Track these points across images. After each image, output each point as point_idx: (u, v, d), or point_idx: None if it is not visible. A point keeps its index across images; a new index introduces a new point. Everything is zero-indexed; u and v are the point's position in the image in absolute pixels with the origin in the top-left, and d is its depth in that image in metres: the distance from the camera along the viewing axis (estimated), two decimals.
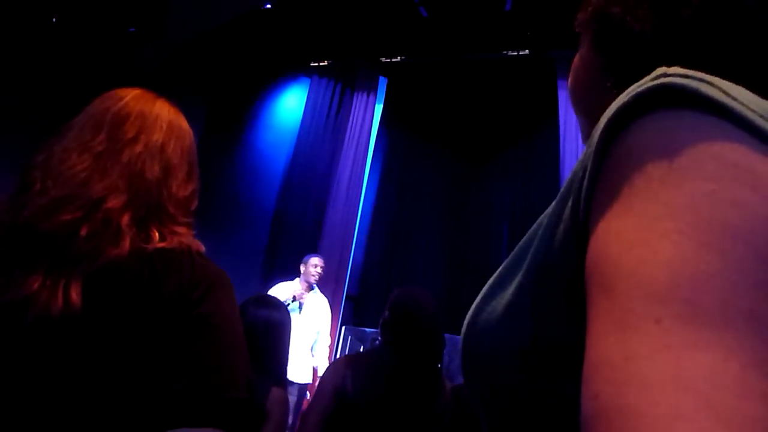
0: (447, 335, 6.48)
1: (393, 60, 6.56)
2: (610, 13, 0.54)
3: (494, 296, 0.52)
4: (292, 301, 4.42)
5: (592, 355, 0.33)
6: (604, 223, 0.37)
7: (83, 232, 0.84)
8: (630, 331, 0.31)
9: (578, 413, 0.34)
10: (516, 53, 6.00)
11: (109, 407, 0.81)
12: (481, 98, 7.12)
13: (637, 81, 0.40)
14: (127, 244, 0.87)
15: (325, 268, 5.80)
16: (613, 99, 0.42)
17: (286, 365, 2.22)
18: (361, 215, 6.56)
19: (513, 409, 0.48)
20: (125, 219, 0.88)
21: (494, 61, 6.27)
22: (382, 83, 6.82)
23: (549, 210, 0.48)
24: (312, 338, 4.63)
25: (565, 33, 5.52)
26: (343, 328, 5.83)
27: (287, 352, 2.21)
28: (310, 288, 4.66)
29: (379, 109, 6.80)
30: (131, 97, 1.02)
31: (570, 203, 0.43)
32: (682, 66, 0.39)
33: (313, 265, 4.68)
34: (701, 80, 0.37)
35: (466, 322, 0.55)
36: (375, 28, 6.20)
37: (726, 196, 0.32)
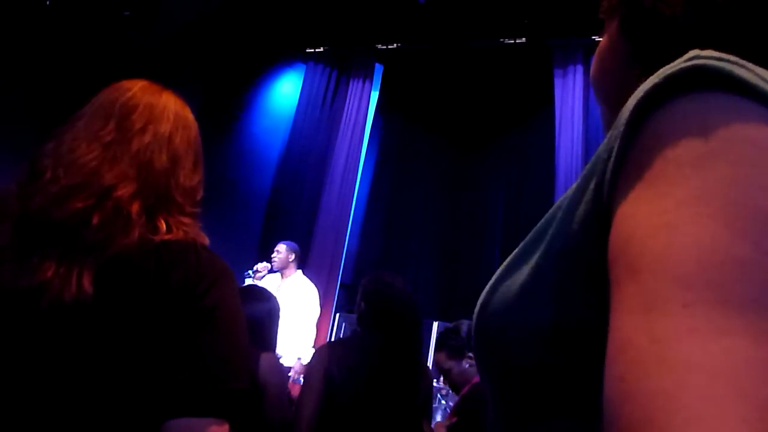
0: (442, 323, 6.50)
1: (389, 47, 6.53)
2: None
3: (509, 277, 0.52)
4: (252, 273, 4.54)
5: (618, 337, 0.33)
6: (631, 206, 0.36)
7: (95, 220, 0.86)
8: (657, 313, 0.31)
9: (592, 393, 0.34)
10: (513, 41, 5.97)
11: (114, 395, 0.82)
12: (478, 86, 7.09)
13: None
14: (136, 233, 0.88)
15: (320, 256, 5.80)
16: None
17: (276, 339, 2.26)
18: (356, 202, 6.55)
19: (524, 387, 0.48)
20: (135, 207, 0.89)
21: (491, 49, 6.25)
22: (378, 70, 6.79)
23: (569, 193, 0.48)
24: (291, 322, 4.55)
25: (562, 21, 5.50)
26: (338, 315, 5.84)
27: (276, 335, 2.24)
28: (271, 271, 4.63)
29: (374, 95, 6.77)
30: (139, 88, 1.03)
31: (593, 185, 0.42)
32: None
33: (274, 251, 4.68)
34: (735, 63, 0.36)
35: (479, 302, 0.55)
36: (371, 15, 6.17)
37: (759, 182, 0.32)
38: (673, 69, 0.37)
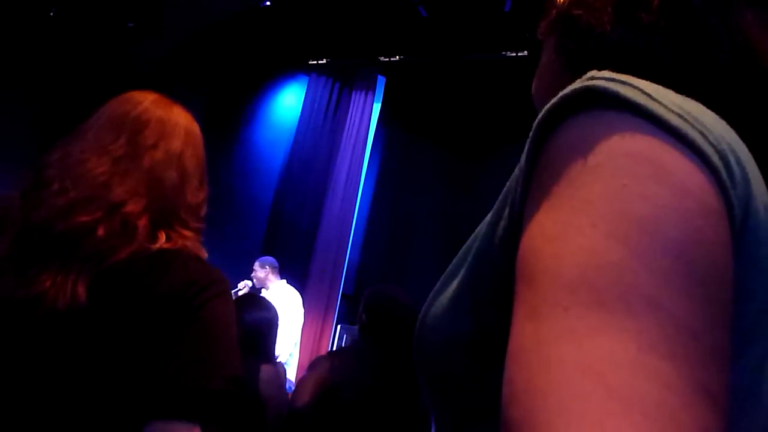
0: None
1: (392, 59, 6.56)
2: (573, 15, 0.56)
3: (442, 292, 0.55)
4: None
5: (511, 343, 0.35)
6: (532, 220, 0.39)
7: (100, 232, 0.86)
8: (542, 318, 0.33)
9: None
10: (515, 54, 6.00)
11: (100, 400, 0.82)
12: (480, 98, 7.11)
13: None
14: (135, 245, 0.88)
15: (321, 267, 5.79)
16: None
17: (274, 350, 2.30)
18: (357, 213, 6.56)
19: (457, 395, 0.51)
20: (143, 222, 0.90)
21: (493, 62, 6.28)
22: (381, 82, 6.81)
23: (493, 208, 0.51)
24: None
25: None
26: (339, 326, 5.83)
27: (275, 342, 2.28)
28: (253, 287, 4.79)
29: (377, 108, 6.79)
30: (150, 102, 1.03)
31: (509, 202, 0.45)
32: (636, 68, 0.41)
33: (252, 270, 4.85)
34: (624, 83, 0.39)
35: (419, 317, 0.58)
36: (374, 27, 6.20)
37: (636, 190, 0.34)
38: (568, 90, 0.40)
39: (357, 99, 6.62)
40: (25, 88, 5.07)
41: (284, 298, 4.68)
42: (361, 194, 6.61)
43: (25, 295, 0.82)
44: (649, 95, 0.38)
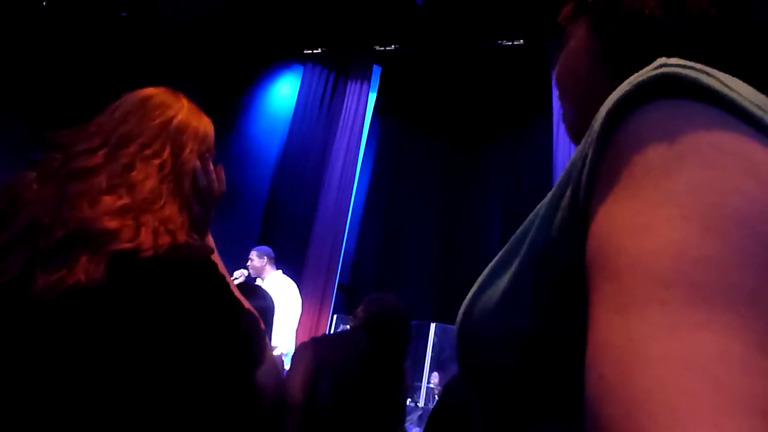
0: (439, 324, 6.49)
1: (387, 48, 6.54)
2: None
3: (490, 286, 0.53)
4: None
5: (597, 337, 0.34)
6: (606, 210, 0.37)
7: (141, 235, 0.87)
8: (635, 312, 0.32)
9: (575, 396, 0.35)
10: (510, 43, 5.99)
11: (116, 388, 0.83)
12: (476, 88, 7.11)
13: (638, 69, 0.41)
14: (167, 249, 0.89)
15: (317, 257, 5.80)
16: (609, 87, 0.42)
17: (271, 339, 2.32)
18: (353, 204, 6.55)
19: (508, 394, 0.49)
20: (181, 234, 0.92)
21: (489, 51, 6.26)
22: (376, 71, 6.80)
23: (545, 200, 0.49)
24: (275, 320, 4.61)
25: (560, 24, 5.51)
26: (335, 316, 5.85)
27: (271, 332, 2.30)
28: (249, 277, 4.75)
29: (372, 97, 6.77)
30: (186, 110, 1.06)
31: (569, 192, 0.43)
32: (686, 58, 0.40)
33: (248, 259, 4.82)
34: (701, 71, 0.38)
35: (461, 312, 0.56)
36: (369, 16, 6.17)
37: (726, 184, 0.33)
38: (642, 77, 0.39)
39: (352, 88, 6.60)
40: (18, 78, 5.04)
41: (281, 289, 4.64)
42: (357, 184, 6.61)
43: (51, 284, 0.81)
44: (727, 85, 0.37)
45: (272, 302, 2.31)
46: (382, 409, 2.17)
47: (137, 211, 0.89)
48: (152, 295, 0.85)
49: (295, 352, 2.26)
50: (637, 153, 0.37)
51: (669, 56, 0.40)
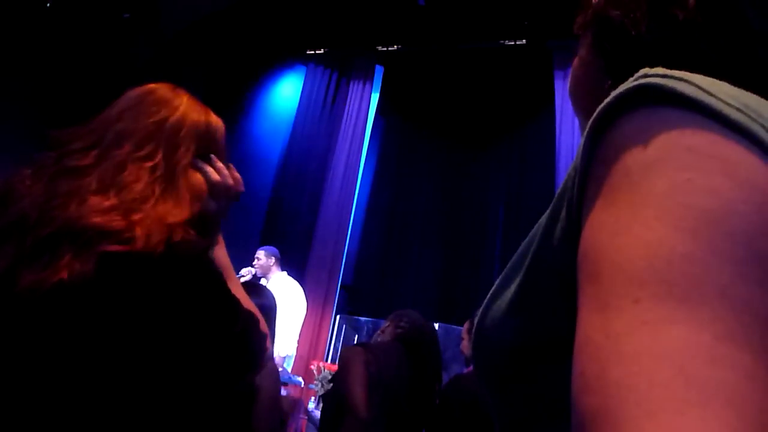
0: (442, 325, 6.51)
1: (390, 48, 6.54)
2: (609, 16, 0.56)
3: (500, 295, 0.55)
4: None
5: (579, 336, 0.36)
6: (592, 217, 0.39)
7: (129, 233, 0.85)
8: (611, 311, 0.33)
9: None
10: (513, 43, 5.98)
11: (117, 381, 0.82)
12: (478, 87, 7.09)
13: None
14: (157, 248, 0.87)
15: (320, 257, 5.79)
16: None
17: (273, 340, 2.31)
18: (356, 204, 6.55)
19: (523, 398, 0.52)
20: (177, 231, 0.89)
21: (491, 51, 6.26)
22: (379, 72, 6.80)
23: (547, 211, 0.50)
24: (279, 321, 4.57)
25: (563, 23, 5.50)
26: (338, 317, 5.84)
27: (274, 334, 2.32)
28: (255, 276, 4.73)
29: (375, 97, 6.78)
30: (185, 107, 1.04)
31: (565, 203, 0.46)
32: (676, 66, 0.41)
33: (255, 258, 4.79)
34: (679, 79, 0.39)
35: (476, 322, 0.59)
36: (372, 17, 6.17)
37: (701, 184, 0.35)
38: (622, 89, 0.41)
39: (355, 89, 6.61)
40: (22, 79, 5.05)
41: (287, 291, 4.65)
42: (360, 184, 6.61)
43: (34, 282, 0.80)
44: (705, 90, 0.38)
45: (275, 301, 2.30)
46: (422, 422, 2.25)
47: (127, 210, 0.87)
48: (141, 292, 0.84)
49: (346, 360, 2.26)
50: (617, 161, 0.39)
51: (660, 66, 0.42)
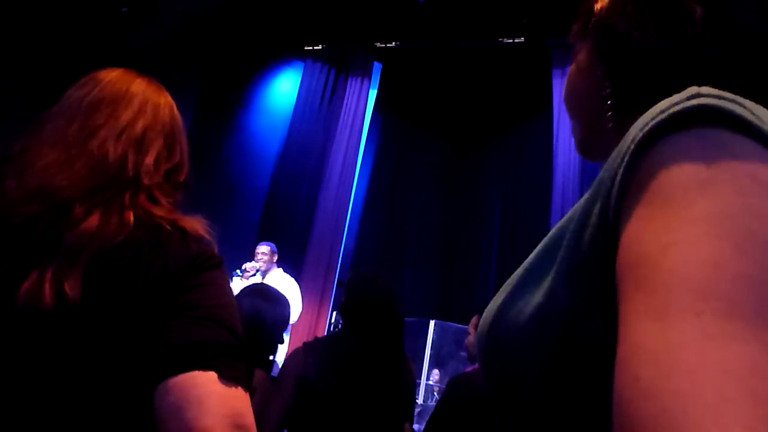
0: (438, 321, 6.48)
1: (388, 45, 6.53)
2: (613, 24, 0.57)
3: (520, 298, 0.55)
4: (240, 273, 4.64)
5: (631, 342, 0.36)
6: (638, 226, 0.40)
7: (43, 223, 0.83)
8: (671, 321, 0.34)
9: (602, 402, 0.37)
10: (511, 41, 5.98)
11: (108, 384, 0.81)
12: (476, 85, 7.10)
13: (639, 90, 0.44)
14: (92, 226, 0.85)
15: (317, 253, 5.79)
16: (611, 106, 0.46)
17: (275, 353, 2.29)
18: (353, 200, 6.56)
19: (540, 405, 0.52)
20: (81, 207, 0.86)
21: (489, 48, 6.26)
22: (377, 68, 6.79)
23: (574, 215, 0.51)
24: None
25: (561, 22, 5.50)
26: (334, 313, 5.85)
27: (276, 345, 2.26)
28: (257, 271, 4.75)
29: (373, 94, 6.78)
30: (108, 81, 1.01)
31: (597, 209, 0.46)
32: (683, 73, 0.43)
33: (257, 252, 4.79)
34: (733, 101, 0.40)
35: (487, 322, 0.58)
36: (370, 13, 6.17)
37: (760, 211, 0.36)
38: (678, 107, 0.41)
39: (353, 85, 6.60)
40: (18, 74, 5.03)
41: (284, 288, 4.65)
42: (357, 180, 6.61)
43: (9, 294, 0.78)
44: (756, 115, 0.39)
45: (290, 311, 2.27)
46: (381, 409, 2.07)
47: (98, 199, 0.86)
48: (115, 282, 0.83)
49: (286, 359, 2.17)
50: (672, 174, 0.39)
51: (669, 79, 0.44)
